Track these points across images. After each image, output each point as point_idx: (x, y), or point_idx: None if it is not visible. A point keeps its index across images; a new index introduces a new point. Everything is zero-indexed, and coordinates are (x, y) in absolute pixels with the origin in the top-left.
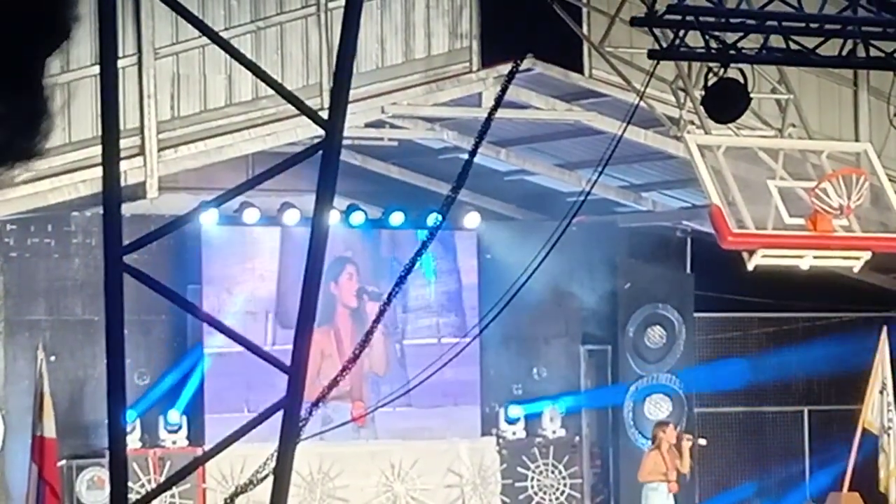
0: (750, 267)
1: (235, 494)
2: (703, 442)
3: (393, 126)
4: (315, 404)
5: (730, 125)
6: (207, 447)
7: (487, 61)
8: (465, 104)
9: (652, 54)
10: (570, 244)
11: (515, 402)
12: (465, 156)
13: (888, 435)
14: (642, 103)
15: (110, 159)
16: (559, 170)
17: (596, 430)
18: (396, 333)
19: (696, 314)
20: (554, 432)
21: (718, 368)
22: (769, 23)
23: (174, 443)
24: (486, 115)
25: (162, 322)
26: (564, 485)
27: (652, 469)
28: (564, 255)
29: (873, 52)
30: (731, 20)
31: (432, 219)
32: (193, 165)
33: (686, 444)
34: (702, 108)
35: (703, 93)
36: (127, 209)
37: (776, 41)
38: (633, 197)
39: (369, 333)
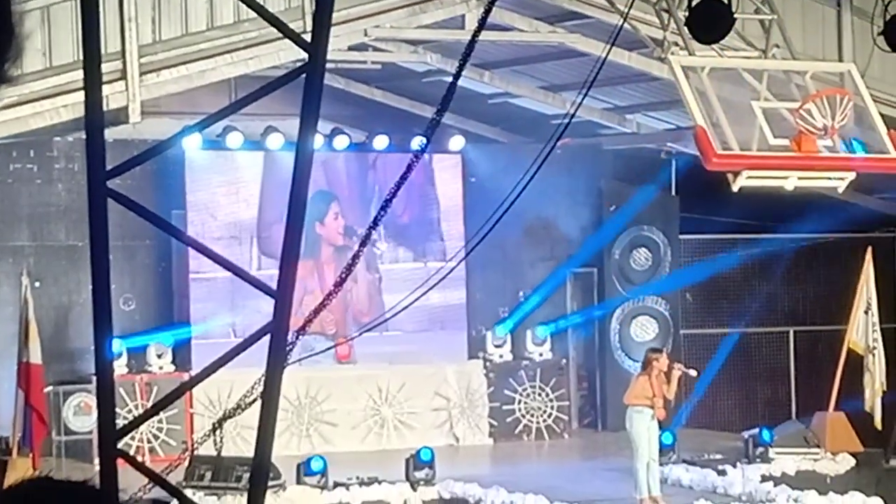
0: (735, 188)
1: (224, 419)
2: (693, 373)
3: (376, 49)
4: (302, 329)
5: (714, 46)
6: (194, 372)
7: None
8: (448, 26)
9: None
10: (554, 167)
11: (500, 323)
12: (449, 78)
13: (873, 355)
14: (626, 25)
15: (92, 84)
16: (543, 92)
17: (583, 352)
18: (382, 262)
19: (681, 236)
20: (541, 355)
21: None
22: None
23: (161, 368)
24: (469, 37)
25: (146, 247)
26: (551, 407)
27: (639, 393)
28: (549, 177)
29: None
30: None
31: (416, 142)
32: (175, 90)
33: (675, 373)
34: (686, 29)
35: (686, 14)
36: (109, 134)
37: None
38: (617, 119)
39: (355, 258)
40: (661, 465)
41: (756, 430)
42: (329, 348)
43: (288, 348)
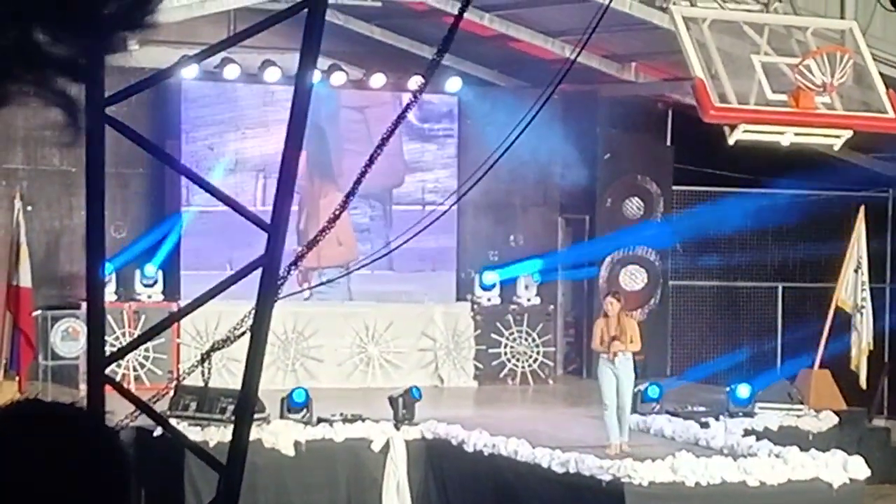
0: (731, 141)
1: (213, 350)
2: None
3: None
4: (294, 264)
5: None
6: (182, 302)
7: None
8: None
9: None
10: (550, 113)
11: (490, 268)
12: (450, 19)
13: (861, 314)
14: None
15: None
16: (543, 37)
17: (571, 298)
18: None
19: (674, 187)
20: (529, 300)
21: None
22: None
23: (149, 297)
24: None
25: (140, 176)
26: (537, 352)
27: (597, 338)
28: (545, 123)
29: None
30: None
31: (414, 82)
32: (175, 19)
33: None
34: None
35: None
36: (106, 60)
37: None
38: (615, 67)
39: (350, 195)
40: (642, 413)
41: (729, 389)
42: (319, 285)
43: (280, 282)
